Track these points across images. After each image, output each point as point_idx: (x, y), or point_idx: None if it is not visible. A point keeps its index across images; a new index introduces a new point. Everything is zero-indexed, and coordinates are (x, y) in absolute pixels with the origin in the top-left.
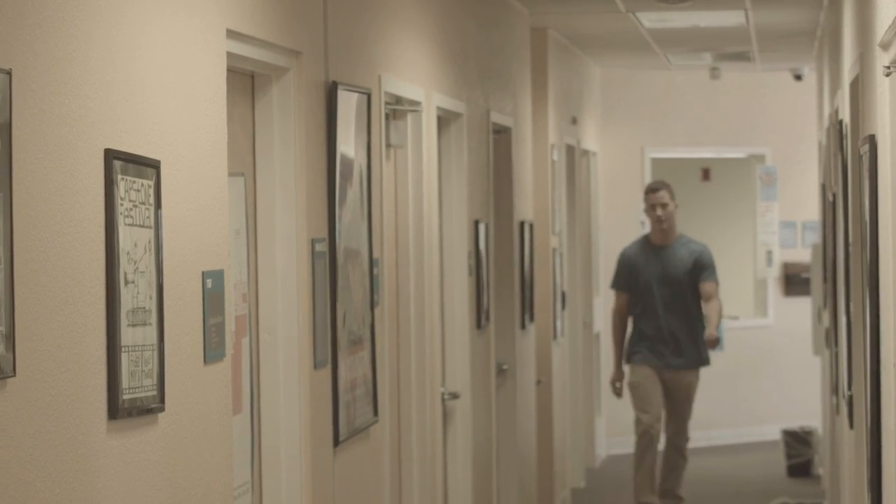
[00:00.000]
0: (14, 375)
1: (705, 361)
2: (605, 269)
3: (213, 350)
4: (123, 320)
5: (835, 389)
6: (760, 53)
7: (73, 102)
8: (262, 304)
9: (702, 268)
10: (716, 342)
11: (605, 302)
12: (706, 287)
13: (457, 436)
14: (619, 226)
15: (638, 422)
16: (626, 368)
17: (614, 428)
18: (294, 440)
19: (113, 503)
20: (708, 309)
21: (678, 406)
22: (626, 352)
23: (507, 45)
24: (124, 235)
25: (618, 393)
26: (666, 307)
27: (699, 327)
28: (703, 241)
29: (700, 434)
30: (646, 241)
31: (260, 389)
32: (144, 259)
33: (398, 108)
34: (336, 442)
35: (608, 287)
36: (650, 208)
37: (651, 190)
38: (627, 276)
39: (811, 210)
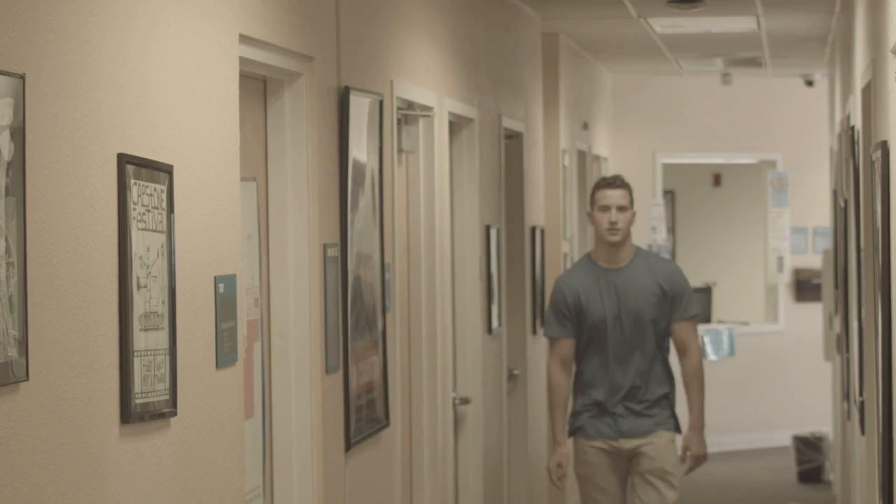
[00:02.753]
0: (27, 380)
1: (678, 427)
2: None
3: (225, 354)
4: (136, 325)
5: (846, 395)
6: (772, 59)
7: (86, 107)
8: (274, 309)
9: (676, 296)
10: (702, 459)
11: None
12: (682, 329)
13: (468, 441)
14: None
15: None
16: (569, 444)
17: None
18: (306, 444)
19: None
20: (686, 374)
21: (651, 486)
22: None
23: (518, 50)
24: (137, 240)
25: (560, 479)
26: (623, 356)
27: (670, 384)
28: (713, 249)
29: (710, 440)
30: (590, 264)
31: (272, 394)
32: (157, 263)
33: (410, 113)
34: (347, 446)
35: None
36: (600, 210)
37: (605, 185)
38: (570, 316)
39: (822, 216)
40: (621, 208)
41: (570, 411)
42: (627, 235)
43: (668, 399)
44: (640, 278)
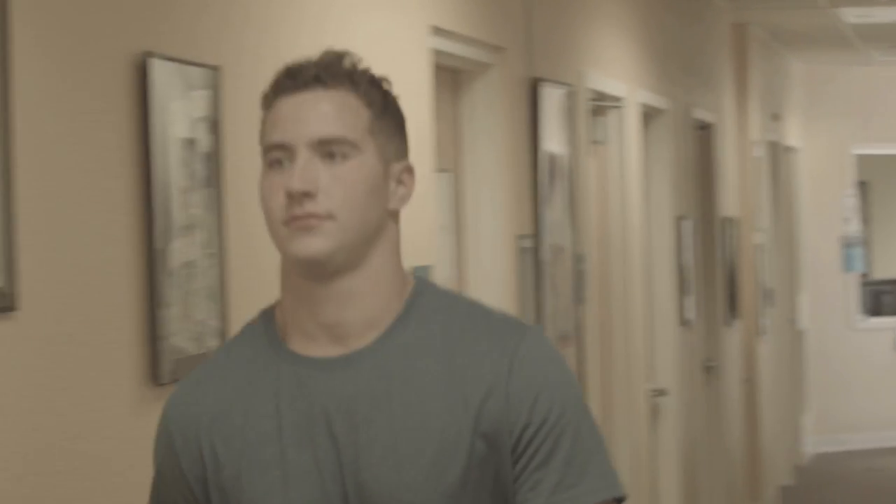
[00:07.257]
0: None
1: None
2: (812, 266)
3: None
4: None
5: None
6: None
7: None
8: None
9: (537, 435)
10: None
11: (810, 299)
12: None
13: (666, 432)
14: (823, 223)
15: None
16: None
17: (823, 425)
18: None
19: None
20: None
21: None
22: None
23: (708, 40)
24: None
25: None
26: None
27: None
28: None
29: (887, 434)
30: (266, 347)
31: None
32: None
33: (601, 104)
34: None
35: None
36: (270, 166)
37: (286, 84)
38: (186, 484)
39: None
40: (329, 148)
41: None
42: (374, 245)
43: None
44: (420, 383)
